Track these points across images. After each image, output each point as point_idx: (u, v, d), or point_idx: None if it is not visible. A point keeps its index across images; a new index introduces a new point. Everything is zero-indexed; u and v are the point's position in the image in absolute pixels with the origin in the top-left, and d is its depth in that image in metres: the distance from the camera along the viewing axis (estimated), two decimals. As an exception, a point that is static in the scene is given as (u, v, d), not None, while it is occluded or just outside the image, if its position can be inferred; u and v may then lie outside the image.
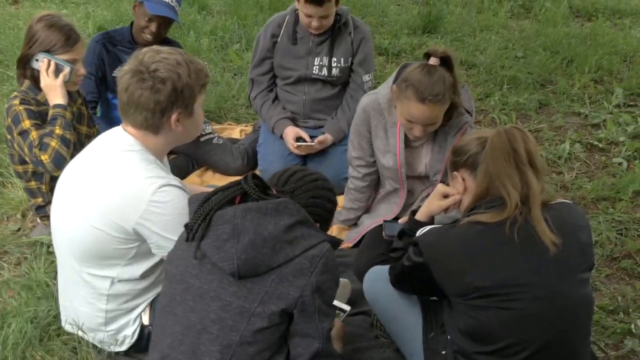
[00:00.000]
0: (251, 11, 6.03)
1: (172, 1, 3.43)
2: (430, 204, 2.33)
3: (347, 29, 3.48)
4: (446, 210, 2.31)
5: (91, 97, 3.47)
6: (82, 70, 2.81)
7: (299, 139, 3.46)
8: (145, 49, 2.13)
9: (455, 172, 2.22)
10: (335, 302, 2.34)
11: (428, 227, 2.14)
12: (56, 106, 2.70)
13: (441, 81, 2.48)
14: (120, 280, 2.20)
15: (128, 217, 2.07)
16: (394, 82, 2.72)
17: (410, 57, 5.54)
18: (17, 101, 2.71)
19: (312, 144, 3.40)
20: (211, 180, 3.64)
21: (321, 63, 3.47)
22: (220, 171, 3.66)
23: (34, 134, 2.64)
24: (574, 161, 4.01)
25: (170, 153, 3.58)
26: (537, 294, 1.92)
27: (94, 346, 2.33)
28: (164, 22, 3.46)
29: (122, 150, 2.13)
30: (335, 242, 1.93)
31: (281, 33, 3.51)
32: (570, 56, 5.52)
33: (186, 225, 1.77)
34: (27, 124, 2.66)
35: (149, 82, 2.02)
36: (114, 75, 3.46)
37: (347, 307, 2.41)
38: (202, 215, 1.73)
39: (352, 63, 3.52)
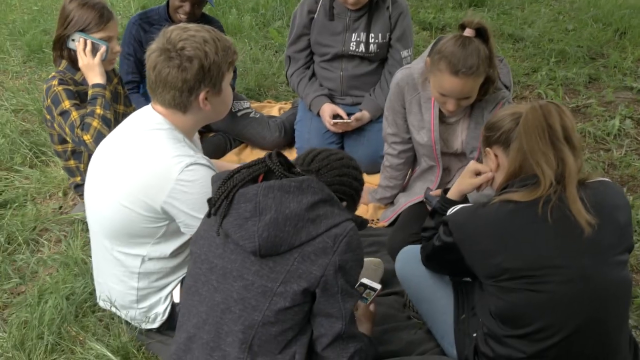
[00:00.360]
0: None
1: None
2: (462, 182, 2.26)
3: (384, 4, 3.40)
4: (479, 188, 2.24)
5: (132, 77, 3.51)
6: (117, 47, 2.83)
7: (335, 116, 3.42)
8: (172, 27, 2.11)
9: (488, 149, 2.14)
10: (365, 281, 2.32)
11: (459, 206, 2.07)
12: (95, 85, 2.72)
13: (475, 53, 2.39)
14: (150, 259, 2.22)
15: (156, 196, 2.07)
16: (428, 55, 2.64)
17: (456, 31, 5.36)
18: (55, 81, 2.75)
19: (349, 121, 3.35)
20: (249, 158, 3.64)
21: (358, 39, 3.41)
22: (258, 145, 3.66)
23: (74, 114, 2.68)
24: (624, 138, 3.85)
25: (208, 130, 3.68)
26: (570, 276, 1.84)
27: (127, 323, 2.37)
28: (197, 1, 3.44)
29: (151, 128, 2.13)
30: (361, 222, 1.89)
31: (318, 9, 3.45)
32: (624, 28, 5.29)
33: (209, 200, 1.76)
34: (67, 104, 2.70)
35: (176, 61, 2.01)
36: None
37: (377, 286, 2.37)
38: (225, 193, 1.71)
39: (390, 39, 3.44)
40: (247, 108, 3.68)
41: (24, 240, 2.88)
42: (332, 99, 3.55)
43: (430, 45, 2.72)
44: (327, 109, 3.42)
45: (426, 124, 2.73)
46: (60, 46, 2.80)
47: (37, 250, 2.88)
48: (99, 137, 2.56)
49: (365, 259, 2.59)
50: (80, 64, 2.72)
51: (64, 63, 2.83)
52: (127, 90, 3.32)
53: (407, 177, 3.10)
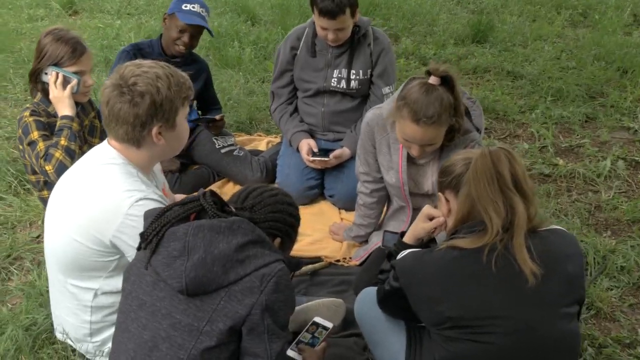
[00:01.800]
0: (296, 21, 6.03)
1: (202, 11, 3.47)
2: (416, 226, 2.24)
3: (366, 41, 3.41)
4: (433, 232, 2.21)
5: None
6: (90, 81, 2.86)
7: (315, 153, 3.41)
8: (127, 63, 2.14)
9: (440, 193, 2.11)
10: (318, 319, 2.31)
11: (407, 251, 2.04)
12: (63, 117, 2.75)
13: (438, 102, 2.37)
14: (103, 293, 2.21)
15: (105, 230, 2.07)
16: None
17: (456, 67, 5.40)
18: (27, 112, 2.79)
19: (327, 159, 3.34)
20: (230, 192, 3.63)
21: (340, 75, 3.42)
22: (240, 183, 3.65)
23: (41, 145, 2.71)
24: (614, 179, 3.78)
25: (192, 163, 3.68)
26: (513, 327, 1.80)
27: (83, 356, 2.35)
28: (196, 32, 3.49)
29: (104, 163, 2.15)
30: (297, 263, 1.89)
31: (300, 45, 3.48)
32: (626, 66, 5.23)
33: (141, 235, 1.76)
34: (35, 135, 2.73)
35: (127, 96, 2.03)
36: None
37: (329, 325, 2.35)
38: (156, 230, 1.71)
39: (371, 75, 3.44)
40: (232, 145, 3.70)
41: (-6, 269, 2.91)
42: (313, 134, 3.56)
43: (401, 86, 2.71)
44: (305, 145, 3.42)
45: (394, 164, 2.71)
46: (35, 79, 2.84)
47: (7, 278, 2.89)
48: (60, 168, 2.58)
49: (326, 299, 2.58)
50: (51, 95, 2.76)
51: (39, 95, 2.87)
52: None
53: (381, 215, 3.07)
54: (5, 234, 3.19)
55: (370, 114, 2.80)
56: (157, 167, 2.46)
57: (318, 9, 3.17)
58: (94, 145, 2.94)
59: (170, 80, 2.08)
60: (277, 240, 1.91)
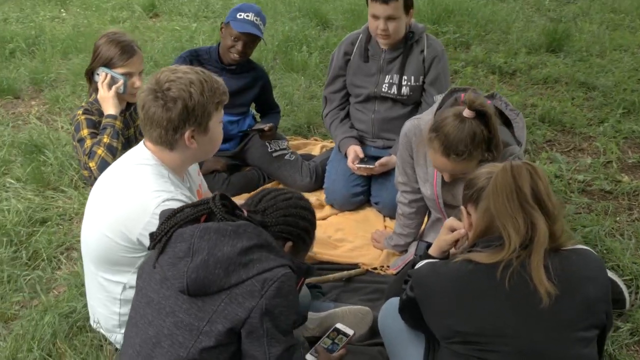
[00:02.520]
0: (365, 26, 6.02)
1: (256, 20, 3.52)
2: (439, 239, 2.19)
3: (419, 47, 3.37)
4: (456, 244, 2.16)
5: None
6: (138, 82, 2.96)
7: (362, 159, 3.40)
8: (163, 68, 2.22)
9: (462, 206, 2.06)
10: (339, 326, 2.31)
11: (424, 262, 2.01)
12: (108, 116, 2.87)
13: (470, 138, 2.30)
14: (131, 287, 2.27)
15: (133, 228, 2.15)
16: (438, 108, 2.59)
17: (526, 76, 5.25)
18: (80, 111, 2.94)
19: (372, 166, 3.32)
20: (279, 195, 3.68)
21: (391, 81, 3.39)
22: (290, 186, 3.68)
23: (88, 142, 2.83)
24: (680, 201, 3.56)
25: (245, 165, 3.75)
26: (519, 347, 1.73)
27: (114, 345, 2.45)
28: (250, 41, 3.54)
29: (137, 163, 2.23)
30: (307, 269, 1.88)
31: (354, 51, 3.48)
32: None
33: (151, 235, 1.81)
34: (85, 132, 2.86)
35: (161, 101, 2.11)
36: None
37: (350, 332, 2.34)
38: (165, 230, 1.76)
39: (423, 82, 3.40)
40: (284, 149, 3.74)
41: (47, 257, 3.06)
42: (363, 141, 3.55)
43: (441, 97, 2.66)
44: (352, 152, 3.41)
45: (430, 177, 2.66)
46: (89, 78, 2.99)
47: (58, 267, 3.04)
48: (102, 165, 2.68)
49: (354, 307, 2.57)
50: (98, 95, 2.89)
51: (94, 95, 3.00)
52: None
53: (423, 226, 3.02)
54: (62, 224, 3.35)
55: (409, 124, 2.76)
56: (194, 169, 2.53)
57: None
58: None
59: (204, 85, 2.13)
60: (289, 245, 1.92)
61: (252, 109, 3.95)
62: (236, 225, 1.75)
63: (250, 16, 3.46)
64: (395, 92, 3.39)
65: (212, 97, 2.17)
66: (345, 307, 2.57)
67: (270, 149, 3.71)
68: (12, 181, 3.70)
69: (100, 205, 2.27)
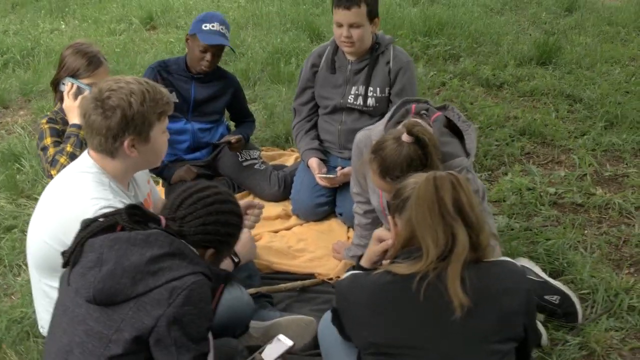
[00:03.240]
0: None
1: (222, 29, 3.55)
2: (368, 249, 2.19)
3: (385, 58, 3.38)
4: (385, 255, 2.14)
5: None
6: None
7: (327, 171, 3.41)
8: (108, 78, 2.25)
9: (390, 216, 2.05)
10: (281, 337, 2.29)
11: (349, 273, 2.00)
12: (72, 125, 2.90)
13: (406, 163, 2.29)
14: (71, 294, 2.31)
15: (70, 234, 2.13)
16: (389, 120, 2.59)
17: (513, 89, 5.22)
18: (44, 120, 2.98)
19: (333, 176, 3.32)
20: (250, 205, 3.69)
21: (357, 92, 3.39)
22: (259, 196, 3.70)
23: (51, 151, 2.86)
24: (655, 213, 3.50)
25: (217, 175, 3.76)
26: (432, 359, 1.71)
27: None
28: (218, 50, 3.58)
29: (79, 171, 2.26)
30: (224, 276, 1.88)
31: (321, 63, 3.49)
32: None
33: (62, 253, 1.82)
34: (48, 140, 2.90)
35: (100, 109, 2.14)
36: None
37: (289, 342, 2.33)
38: (77, 242, 1.78)
39: (389, 93, 3.39)
40: (254, 159, 3.75)
41: (8, 263, 3.09)
42: (330, 152, 3.55)
43: (393, 108, 2.65)
44: (314, 163, 3.41)
45: (377, 188, 2.66)
46: (55, 88, 3.03)
47: (18, 274, 3.07)
48: None
49: (297, 317, 2.57)
50: (64, 104, 2.93)
51: (59, 104, 3.04)
52: None
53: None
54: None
55: (360, 135, 2.77)
56: (142, 177, 2.55)
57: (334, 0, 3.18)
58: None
59: (145, 95, 2.16)
60: (210, 252, 1.91)
61: (227, 119, 3.97)
62: (147, 234, 1.75)
63: (216, 26, 3.48)
64: (361, 104, 3.39)
65: (153, 107, 2.18)
66: (290, 317, 2.56)
67: (241, 158, 3.72)
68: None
69: (42, 212, 2.30)
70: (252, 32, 6.86)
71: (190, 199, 1.89)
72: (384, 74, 3.37)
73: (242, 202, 2.65)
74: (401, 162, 2.31)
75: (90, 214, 2.10)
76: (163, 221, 1.85)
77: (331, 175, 3.32)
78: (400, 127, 2.44)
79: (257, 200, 3.02)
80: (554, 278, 2.89)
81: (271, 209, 3.58)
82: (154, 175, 3.77)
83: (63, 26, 7.22)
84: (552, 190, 3.69)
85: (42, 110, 4.85)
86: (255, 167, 3.71)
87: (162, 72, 3.65)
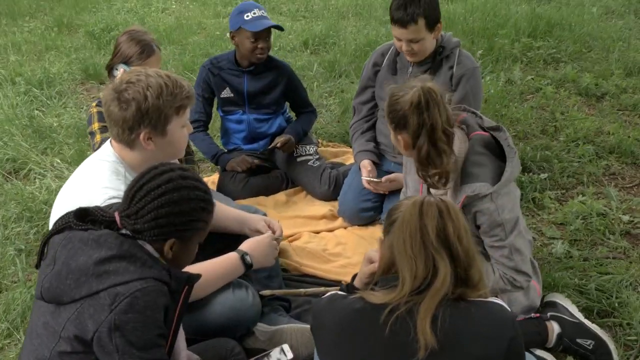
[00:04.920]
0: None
1: (263, 13, 3.49)
2: (360, 270, 2.06)
3: (448, 63, 3.18)
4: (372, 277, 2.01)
5: (198, 116, 3.68)
6: None
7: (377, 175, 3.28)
8: (131, 69, 2.26)
9: (380, 236, 1.91)
10: (285, 347, 2.24)
11: (331, 293, 1.88)
12: None
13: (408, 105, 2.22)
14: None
15: None
16: None
17: (614, 101, 4.78)
18: (94, 104, 3.07)
19: (377, 180, 3.18)
20: (299, 201, 3.65)
21: (416, 96, 3.22)
22: (310, 193, 3.65)
23: (98, 137, 2.95)
24: None
25: (273, 167, 3.72)
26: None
27: None
28: (268, 34, 3.49)
29: (99, 159, 2.29)
30: (185, 278, 1.81)
31: (384, 62, 3.35)
32: None
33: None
34: (95, 126, 2.98)
35: (117, 101, 2.15)
36: (221, 96, 3.65)
37: (290, 355, 2.25)
38: (45, 238, 1.80)
39: (450, 100, 3.19)
40: (309, 155, 3.69)
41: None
42: (385, 155, 3.42)
43: None
44: (364, 166, 3.29)
45: (416, 189, 2.53)
46: (109, 73, 3.10)
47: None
48: None
49: (303, 325, 2.49)
50: None
51: (111, 89, 3.12)
52: (193, 128, 3.55)
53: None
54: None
55: None
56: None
57: (391, 16, 3.05)
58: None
59: (163, 89, 2.14)
60: (170, 242, 1.80)
61: (289, 110, 3.92)
62: (98, 234, 1.72)
63: (257, 12, 3.42)
64: (419, 108, 3.22)
65: (170, 101, 2.17)
66: (296, 325, 2.49)
67: (296, 153, 3.67)
68: (59, 161, 3.95)
69: (61, 197, 2.35)
70: (352, 21, 6.77)
71: (141, 191, 1.77)
72: (446, 78, 3.18)
73: (265, 220, 2.61)
74: (403, 104, 2.22)
75: (99, 202, 2.12)
76: (117, 219, 1.80)
77: (376, 180, 3.19)
78: None
79: (277, 223, 2.70)
80: (600, 318, 2.62)
81: (318, 208, 3.50)
82: (213, 164, 3.81)
83: (174, 5, 7.47)
84: (626, 218, 3.34)
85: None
86: (308, 163, 3.64)
87: (213, 69, 3.63)
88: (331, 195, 3.56)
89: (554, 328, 2.42)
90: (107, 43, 6.15)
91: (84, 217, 1.79)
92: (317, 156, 3.72)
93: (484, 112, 4.51)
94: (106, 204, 2.10)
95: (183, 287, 1.83)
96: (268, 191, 3.65)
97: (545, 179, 3.69)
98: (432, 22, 3.03)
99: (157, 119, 2.16)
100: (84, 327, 1.65)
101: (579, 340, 2.39)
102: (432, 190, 2.45)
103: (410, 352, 1.58)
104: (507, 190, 2.35)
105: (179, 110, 2.21)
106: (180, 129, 2.26)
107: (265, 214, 2.84)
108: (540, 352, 2.38)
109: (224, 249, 2.49)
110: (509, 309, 1.69)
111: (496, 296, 1.86)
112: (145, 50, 3.00)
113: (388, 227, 1.81)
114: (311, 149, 3.73)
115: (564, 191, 3.67)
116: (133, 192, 1.78)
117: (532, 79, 5.18)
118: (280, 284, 2.77)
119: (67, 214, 1.83)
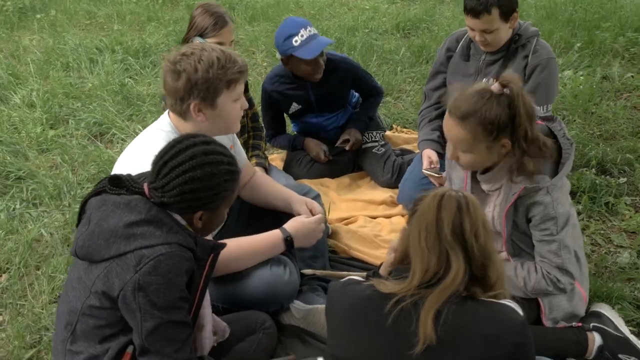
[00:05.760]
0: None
1: (310, 31, 3.30)
2: (386, 258, 2.03)
3: (524, 51, 3.05)
4: None
5: (270, 133, 3.73)
6: None
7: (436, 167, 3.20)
8: (191, 44, 2.35)
9: (404, 226, 1.88)
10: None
11: (348, 277, 1.88)
12: None
13: (477, 104, 2.08)
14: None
15: None
16: None
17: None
18: None
19: (438, 175, 3.10)
20: (363, 185, 3.65)
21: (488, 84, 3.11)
22: (373, 179, 3.64)
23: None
24: None
25: (342, 151, 3.71)
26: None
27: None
28: (322, 53, 3.36)
29: (156, 127, 2.40)
30: (210, 247, 1.88)
31: (458, 48, 3.25)
32: None
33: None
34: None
35: (170, 72, 2.24)
36: (290, 112, 3.63)
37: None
38: (83, 200, 1.91)
39: (523, 90, 3.07)
40: (375, 141, 3.67)
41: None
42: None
43: None
44: (426, 156, 3.22)
45: (462, 182, 2.47)
46: (186, 46, 3.21)
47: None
48: None
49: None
50: None
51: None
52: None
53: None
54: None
55: None
56: (223, 142, 2.59)
57: (464, 5, 2.96)
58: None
59: (214, 63, 2.21)
60: (198, 214, 1.87)
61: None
62: (129, 199, 1.81)
63: (304, 33, 3.26)
64: (490, 97, 3.11)
65: (221, 75, 2.22)
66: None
67: (363, 140, 3.65)
68: (141, 128, 4.11)
69: (120, 161, 2.46)
70: (450, 6, 6.60)
71: (165, 167, 1.84)
72: (519, 68, 3.05)
73: (307, 202, 2.63)
74: (471, 98, 2.11)
75: (148, 168, 2.22)
76: (146, 190, 1.87)
77: (436, 174, 3.11)
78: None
79: (318, 206, 2.69)
80: (654, 335, 2.46)
81: (379, 193, 3.49)
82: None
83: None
84: None
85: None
86: (373, 150, 3.62)
87: (274, 93, 3.56)
88: (394, 183, 3.52)
89: (596, 339, 2.30)
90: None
91: (118, 183, 1.88)
92: (383, 142, 3.68)
93: (571, 108, 4.31)
94: None
95: (209, 254, 1.89)
96: (333, 176, 3.66)
97: (623, 183, 3.47)
98: (508, 11, 2.91)
99: (207, 91, 2.22)
100: (111, 285, 1.76)
101: (621, 356, 2.26)
102: (483, 185, 2.37)
103: (408, 344, 1.56)
104: (561, 183, 2.26)
105: (230, 84, 2.26)
106: (232, 103, 2.31)
107: (318, 195, 2.86)
108: (575, 363, 2.27)
109: (271, 224, 2.55)
110: (521, 313, 1.62)
111: (514, 298, 1.79)
112: (219, 21, 3.06)
113: (410, 218, 1.79)
114: (377, 135, 3.70)
115: (647, 197, 3.45)
116: (159, 167, 1.85)
117: (633, 76, 4.86)
118: (324, 264, 2.79)
119: (104, 179, 1.93)
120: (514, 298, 2.27)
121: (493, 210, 2.38)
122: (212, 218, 1.94)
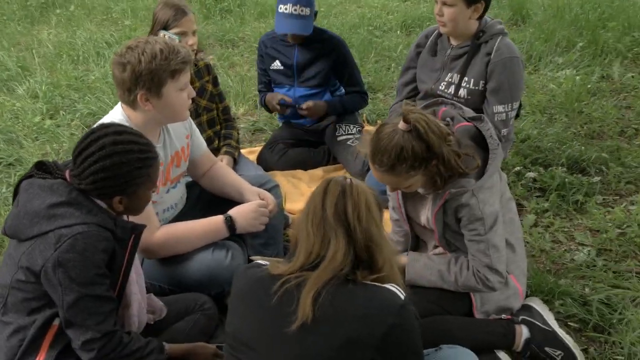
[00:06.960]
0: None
1: (295, 10, 3.39)
2: None
3: (486, 49, 3.05)
4: None
5: (260, 86, 3.86)
6: (190, 41, 3.17)
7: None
8: (137, 38, 2.45)
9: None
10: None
11: (258, 259, 1.94)
12: None
13: (395, 151, 2.09)
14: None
15: None
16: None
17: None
18: None
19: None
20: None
21: (450, 80, 3.13)
22: (347, 171, 3.68)
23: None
24: None
25: (319, 142, 3.78)
26: (258, 362, 1.64)
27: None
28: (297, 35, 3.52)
29: (109, 117, 2.49)
30: (130, 227, 1.97)
31: (427, 44, 3.28)
32: None
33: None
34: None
35: (117, 64, 2.35)
36: (271, 68, 3.74)
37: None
38: (16, 183, 2.03)
39: (485, 88, 3.08)
40: (350, 134, 3.71)
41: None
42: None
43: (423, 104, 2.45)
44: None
45: None
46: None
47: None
48: None
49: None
50: None
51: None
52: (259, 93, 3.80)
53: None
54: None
55: None
56: (179, 132, 2.67)
57: None
58: (200, 105, 3.36)
59: (157, 54, 2.30)
60: (117, 199, 1.97)
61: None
62: (52, 182, 1.94)
63: (289, 7, 3.39)
64: (452, 93, 3.13)
65: (164, 65, 2.32)
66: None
67: (338, 132, 3.71)
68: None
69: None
70: (460, 6, 6.56)
71: (80, 157, 1.94)
72: (481, 65, 3.06)
73: (259, 193, 2.71)
74: (391, 150, 2.12)
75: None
76: (67, 176, 1.98)
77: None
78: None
79: (270, 196, 2.75)
80: (596, 332, 2.45)
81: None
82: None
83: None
84: (672, 233, 3.05)
85: (220, 58, 5.30)
86: (348, 142, 3.67)
87: (267, 41, 3.74)
88: (363, 173, 3.56)
89: (523, 332, 2.31)
90: (214, 14, 6.45)
91: (44, 168, 2.01)
92: (359, 136, 3.73)
93: (559, 106, 4.28)
94: None
95: (130, 235, 1.99)
96: (307, 165, 3.73)
97: (596, 182, 3.44)
98: None
99: (151, 82, 2.32)
100: (34, 261, 1.88)
101: (547, 349, 2.26)
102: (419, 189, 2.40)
103: (286, 322, 1.61)
104: (489, 183, 2.27)
105: (174, 74, 2.35)
106: (178, 92, 2.40)
107: (277, 185, 2.92)
108: (501, 355, 2.29)
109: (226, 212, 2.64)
110: (402, 296, 1.65)
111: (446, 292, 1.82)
112: (178, 12, 3.15)
113: None
114: (353, 128, 3.74)
115: (617, 197, 3.41)
116: (75, 156, 1.97)
117: (633, 76, 4.79)
118: (276, 252, 2.83)
119: (35, 164, 2.06)
120: (443, 291, 2.35)
121: (427, 211, 2.42)
122: (134, 200, 2.03)
